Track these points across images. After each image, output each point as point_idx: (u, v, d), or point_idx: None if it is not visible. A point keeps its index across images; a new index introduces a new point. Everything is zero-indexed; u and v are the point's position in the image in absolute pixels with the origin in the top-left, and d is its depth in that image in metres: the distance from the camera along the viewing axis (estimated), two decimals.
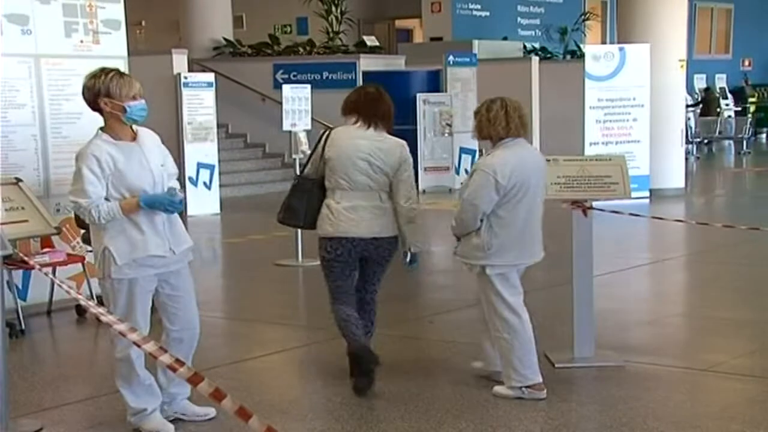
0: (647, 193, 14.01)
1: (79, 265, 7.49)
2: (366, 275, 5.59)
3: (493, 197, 5.14)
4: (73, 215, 7.34)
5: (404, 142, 5.55)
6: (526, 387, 5.23)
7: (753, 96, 28.01)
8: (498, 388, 5.34)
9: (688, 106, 26.51)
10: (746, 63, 30.26)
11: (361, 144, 5.40)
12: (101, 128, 4.68)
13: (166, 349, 4.55)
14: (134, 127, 4.71)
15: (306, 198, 5.51)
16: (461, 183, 5.57)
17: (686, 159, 16.14)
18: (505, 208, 5.19)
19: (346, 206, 5.36)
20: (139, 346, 2.47)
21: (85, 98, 4.69)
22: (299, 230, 9.53)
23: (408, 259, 5.50)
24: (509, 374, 5.27)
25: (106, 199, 4.55)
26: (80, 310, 7.35)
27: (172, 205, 4.61)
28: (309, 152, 9.66)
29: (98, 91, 4.59)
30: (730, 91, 27.03)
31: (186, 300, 4.86)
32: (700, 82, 27.57)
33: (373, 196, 5.38)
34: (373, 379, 5.36)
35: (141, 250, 4.62)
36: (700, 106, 25.30)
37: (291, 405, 5.39)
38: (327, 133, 5.59)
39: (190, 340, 4.93)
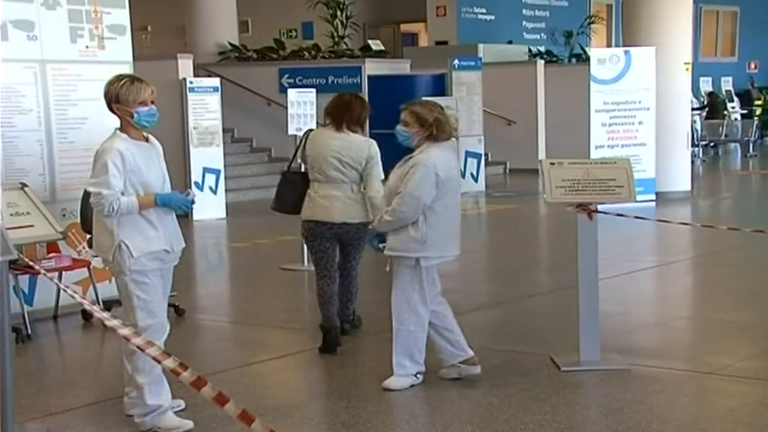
0: (653, 196, 13.99)
1: (85, 269, 7.51)
2: (345, 254, 6.70)
3: (433, 191, 5.46)
4: (79, 220, 7.39)
5: (372, 141, 6.42)
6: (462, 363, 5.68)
7: (759, 99, 27.96)
8: (391, 381, 5.56)
9: (693, 109, 26.51)
10: (752, 66, 30.23)
11: (332, 143, 6.41)
12: (118, 129, 4.93)
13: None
14: (144, 133, 4.99)
15: (291, 188, 6.71)
16: (386, 180, 5.94)
17: (692, 162, 16.12)
18: (440, 203, 5.52)
19: (322, 195, 6.38)
20: (143, 350, 2.48)
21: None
22: None
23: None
24: (404, 363, 5.58)
25: (122, 194, 4.79)
26: (86, 315, 7.36)
27: (187, 204, 4.95)
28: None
29: (111, 97, 4.89)
30: (736, 94, 26.99)
31: (165, 297, 5.13)
32: (705, 85, 27.54)
33: (346, 188, 6.32)
34: (335, 351, 6.37)
35: (155, 244, 4.89)
36: (706, 109, 25.28)
37: (296, 409, 5.40)
38: (306, 134, 7.00)
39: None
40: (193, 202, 5.02)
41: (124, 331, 2.58)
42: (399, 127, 5.63)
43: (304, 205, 6.46)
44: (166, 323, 5.09)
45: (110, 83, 4.92)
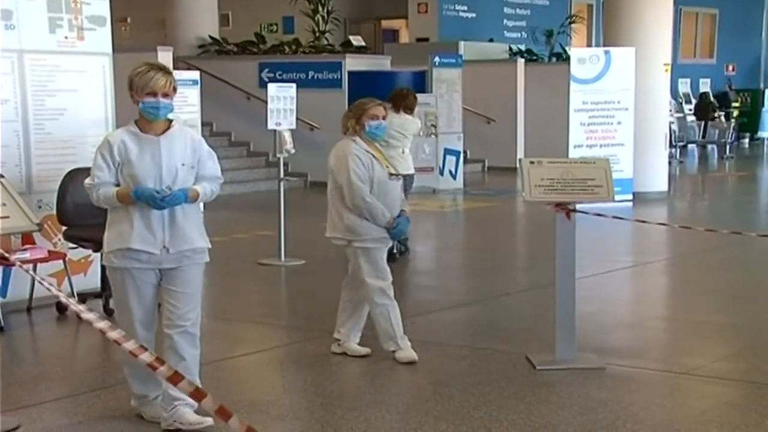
0: (630, 197, 14.04)
1: (60, 262, 7.46)
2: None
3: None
4: (54, 212, 7.34)
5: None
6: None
7: (736, 101, 28.13)
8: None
9: (690, 110, 26.53)
10: (730, 68, 30.39)
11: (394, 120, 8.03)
12: (136, 120, 4.80)
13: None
14: (174, 124, 4.79)
15: None
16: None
17: (669, 163, 16.20)
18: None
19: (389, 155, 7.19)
20: (118, 344, 2.45)
21: None
22: (282, 230, 9.53)
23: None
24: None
25: (118, 185, 4.70)
26: (61, 308, 7.31)
27: (153, 199, 4.61)
28: (293, 151, 9.72)
29: (128, 84, 4.76)
30: (714, 96, 27.13)
31: (182, 296, 4.82)
32: (684, 87, 27.67)
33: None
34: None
35: (124, 242, 4.70)
36: (695, 110, 25.48)
37: (271, 405, 5.38)
38: None
39: (181, 340, 4.81)
40: (166, 197, 4.63)
41: (100, 325, 2.56)
42: (383, 123, 6.01)
43: None
44: (142, 334, 4.80)
45: (132, 70, 4.77)
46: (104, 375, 5.89)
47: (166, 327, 4.82)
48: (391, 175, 6.00)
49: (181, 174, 4.73)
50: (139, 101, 4.68)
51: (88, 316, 2.71)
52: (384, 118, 6.03)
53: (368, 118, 5.94)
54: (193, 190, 4.76)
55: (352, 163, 5.87)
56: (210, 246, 4.96)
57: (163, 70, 4.75)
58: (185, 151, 4.77)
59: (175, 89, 4.75)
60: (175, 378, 2.08)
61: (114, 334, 2.45)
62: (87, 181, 4.79)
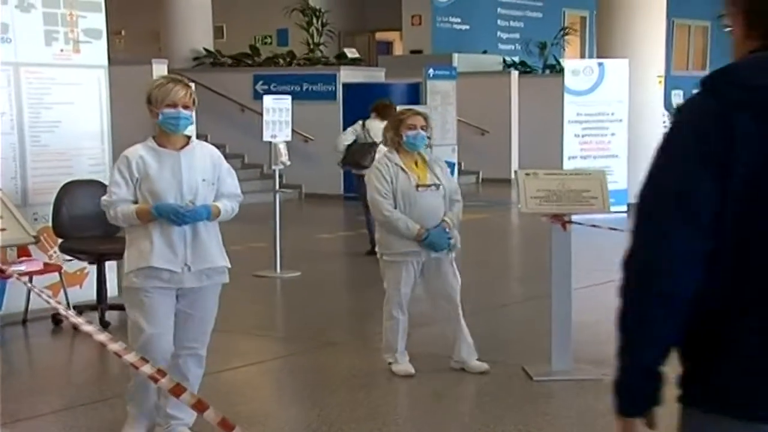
0: (625, 207, 14.06)
1: (56, 274, 7.45)
2: None
3: None
4: (50, 224, 7.34)
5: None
6: None
7: None
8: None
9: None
10: None
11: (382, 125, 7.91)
12: (154, 136, 4.66)
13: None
14: (193, 138, 4.69)
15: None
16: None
17: None
18: None
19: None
20: (137, 368, 2.43)
21: None
22: (277, 242, 9.53)
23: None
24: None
25: (136, 202, 4.54)
26: (56, 320, 7.29)
27: (176, 214, 4.46)
28: (289, 163, 9.73)
29: (147, 97, 4.63)
30: None
31: (196, 320, 4.69)
32: (677, 98, 27.73)
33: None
34: None
35: (145, 260, 4.51)
36: None
37: (268, 417, 5.38)
38: (363, 122, 9.79)
39: (190, 363, 4.74)
40: (188, 212, 4.49)
41: (100, 337, 2.56)
42: (421, 133, 5.91)
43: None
44: (155, 354, 4.50)
45: (150, 84, 4.68)
46: (101, 387, 5.88)
47: (176, 347, 4.68)
48: (419, 186, 5.85)
49: (201, 190, 4.59)
50: (159, 113, 4.53)
51: (87, 328, 2.71)
52: (423, 128, 5.90)
53: (405, 128, 5.88)
54: (215, 207, 4.63)
55: (373, 178, 5.89)
56: (230, 266, 4.79)
57: (182, 82, 4.65)
58: (205, 167, 4.63)
59: (194, 101, 4.63)
60: (177, 390, 2.08)
61: (115, 347, 2.45)
62: (104, 198, 4.61)
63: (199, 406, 1.99)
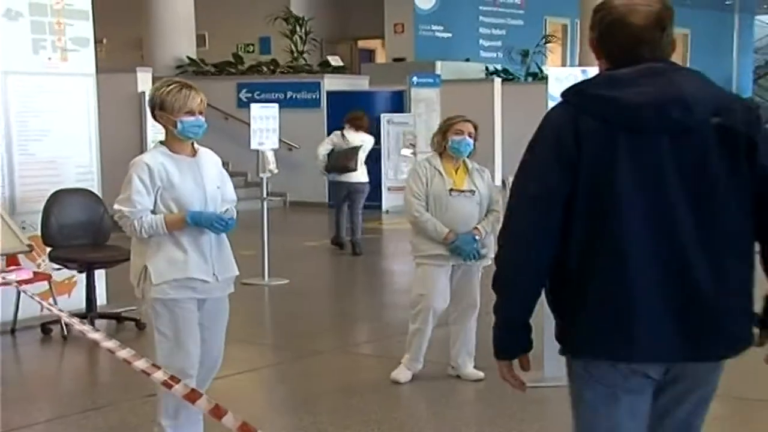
0: None
1: (45, 283, 7.42)
2: None
3: None
4: (39, 233, 7.31)
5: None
6: None
7: None
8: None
9: None
10: None
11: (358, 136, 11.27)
12: (161, 141, 4.47)
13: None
14: (195, 145, 4.49)
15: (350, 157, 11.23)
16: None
17: None
18: None
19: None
20: (169, 386, 2.39)
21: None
22: (265, 249, 9.53)
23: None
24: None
25: (153, 212, 4.33)
26: (46, 329, 7.27)
27: (220, 222, 4.34)
28: (276, 171, 9.75)
29: (155, 103, 4.39)
30: None
31: (216, 332, 4.58)
32: None
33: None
34: None
35: (180, 270, 4.33)
36: None
37: (262, 425, 5.34)
38: (341, 130, 11.06)
39: (208, 371, 4.61)
40: (229, 219, 4.38)
41: (109, 344, 2.56)
42: (467, 139, 5.91)
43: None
44: (192, 370, 4.41)
45: (156, 89, 4.43)
46: (93, 395, 5.87)
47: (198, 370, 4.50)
48: (453, 190, 5.84)
49: (217, 197, 4.47)
50: (177, 121, 4.31)
51: (94, 336, 2.71)
52: (471, 136, 5.90)
53: (453, 133, 5.90)
54: (231, 208, 4.55)
55: (410, 178, 5.98)
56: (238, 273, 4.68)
57: (193, 87, 4.47)
58: (215, 173, 4.53)
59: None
60: (193, 396, 2.08)
61: (123, 353, 2.45)
62: (124, 208, 4.31)
63: (217, 412, 2.00)
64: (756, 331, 2.74)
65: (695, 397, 2.75)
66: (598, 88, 2.63)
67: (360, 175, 11.12)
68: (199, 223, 4.32)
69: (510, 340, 2.74)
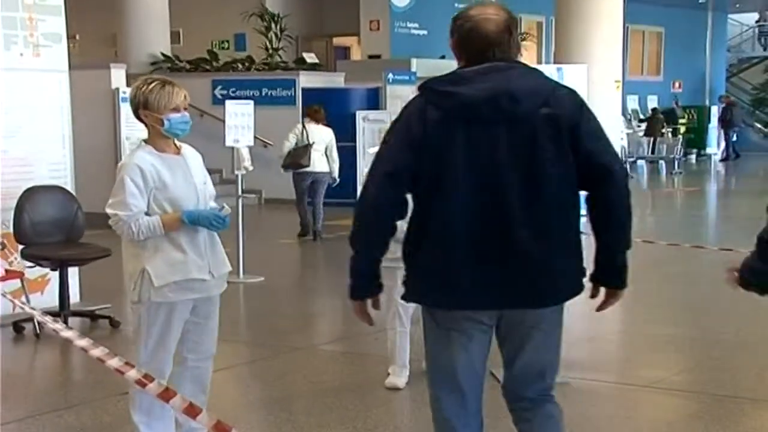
0: (583, 212, 14.16)
1: (18, 281, 7.35)
2: None
3: None
4: (11, 230, 7.24)
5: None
6: None
7: (683, 117, 28.55)
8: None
9: (640, 120, 27.03)
10: (676, 85, 30.85)
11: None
12: (144, 140, 4.39)
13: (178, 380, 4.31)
14: (177, 142, 4.42)
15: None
16: None
17: None
18: None
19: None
20: (143, 385, 2.36)
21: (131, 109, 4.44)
22: (240, 247, 9.49)
23: None
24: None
25: (147, 213, 4.26)
26: (18, 327, 7.20)
27: (218, 220, 4.31)
28: (252, 168, 9.72)
29: (138, 102, 4.31)
30: (661, 112, 27.52)
31: (210, 329, 4.53)
32: (632, 103, 28.03)
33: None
34: None
35: (181, 272, 4.29)
36: (644, 125, 25.96)
37: (237, 422, 5.33)
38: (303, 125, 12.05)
39: (207, 369, 4.60)
40: (226, 217, 4.34)
41: (82, 342, 2.53)
42: None
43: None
44: (168, 371, 4.40)
45: (137, 87, 4.34)
46: (66, 394, 5.82)
47: (195, 359, 4.51)
48: None
49: (206, 194, 4.45)
50: (164, 119, 4.26)
51: (68, 334, 2.67)
52: None
53: None
54: (225, 204, 4.47)
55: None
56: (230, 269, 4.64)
57: (175, 84, 4.40)
58: (200, 169, 4.48)
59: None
60: (167, 394, 2.06)
61: (97, 352, 2.42)
62: (120, 212, 4.22)
63: (191, 411, 1.97)
64: (589, 284, 3.42)
65: (539, 335, 3.36)
66: (443, 85, 3.19)
67: (322, 165, 12.03)
68: (197, 221, 4.30)
69: (359, 286, 3.32)
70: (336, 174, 12.25)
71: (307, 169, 11.94)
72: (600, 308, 3.48)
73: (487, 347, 3.39)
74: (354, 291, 3.34)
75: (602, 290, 3.45)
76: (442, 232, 3.15)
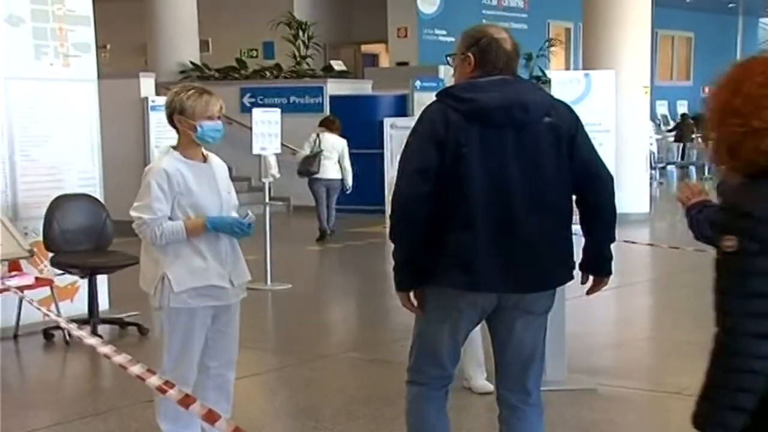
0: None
1: (47, 288, 7.42)
2: None
3: None
4: (41, 238, 7.31)
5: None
6: None
7: None
8: None
9: (668, 130, 26.88)
10: (706, 90, 30.56)
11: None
12: (173, 146, 4.44)
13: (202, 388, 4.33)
14: (205, 151, 4.47)
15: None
16: None
17: (650, 184, 16.30)
18: None
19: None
20: (164, 392, 2.36)
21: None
22: (268, 254, 9.53)
23: None
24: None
25: (170, 218, 4.30)
26: (48, 334, 7.26)
27: (241, 227, 4.35)
28: (279, 176, 9.76)
29: (174, 107, 4.37)
30: (691, 118, 27.34)
31: (231, 337, 4.57)
32: (662, 108, 27.87)
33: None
34: None
35: (201, 278, 4.31)
36: (675, 132, 25.78)
37: (264, 429, 5.36)
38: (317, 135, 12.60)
39: (230, 377, 4.62)
40: (250, 224, 4.38)
41: (105, 350, 2.55)
42: None
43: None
44: (192, 379, 4.45)
45: (176, 93, 4.41)
46: (94, 402, 5.86)
47: (217, 366, 4.54)
48: None
49: (229, 203, 4.50)
50: (197, 125, 4.31)
51: (91, 341, 2.70)
52: None
53: None
54: (249, 212, 4.51)
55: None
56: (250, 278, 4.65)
57: (212, 93, 4.45)
58: (225, 178, 4.53)
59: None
60: (187, 400, 2.07)
61: (120, 359, 2.43)
62: (144, 216, 4.26)
63: (210, 417, 1.99)
64: (580, 273, 3.81)
65: (530, 317, 3.66)
66: (462, 92, 3.58)
67: (334, 172, 12.61)
68: (220, 228, 4.33)
69: (403, 278, 3.61)
70: (349, 182, 12.67)
71: (319, 176, 12.52)
72: (590, 292, 3.92)
73: (473, 329, 3.87)
74: (398, 283, 3.63)
75: (590, 278, 3.88)
76: (462, 220, 3.48)
